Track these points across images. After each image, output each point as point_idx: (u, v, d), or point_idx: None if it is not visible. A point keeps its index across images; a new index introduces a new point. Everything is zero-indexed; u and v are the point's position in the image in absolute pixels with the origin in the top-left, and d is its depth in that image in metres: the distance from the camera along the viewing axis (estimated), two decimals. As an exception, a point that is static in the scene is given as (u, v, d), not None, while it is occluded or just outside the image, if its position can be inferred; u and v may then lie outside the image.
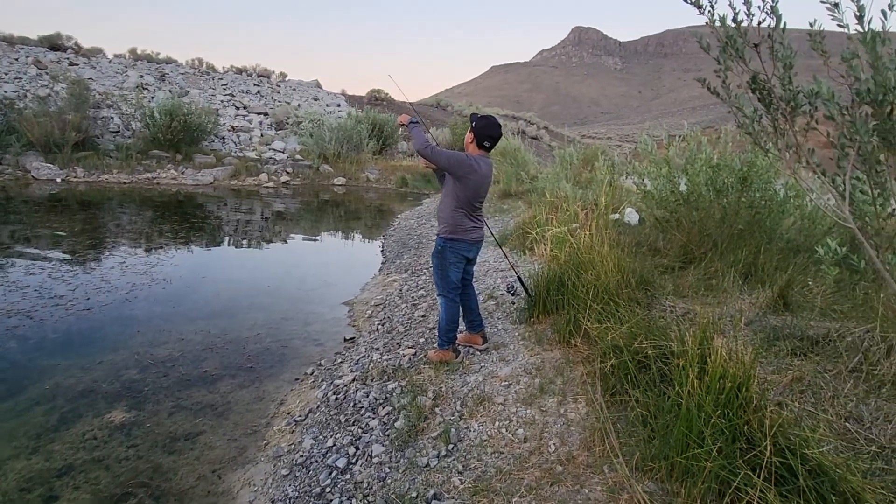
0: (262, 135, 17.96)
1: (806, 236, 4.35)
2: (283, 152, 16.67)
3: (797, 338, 2.70)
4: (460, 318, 3.42)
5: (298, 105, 22.37)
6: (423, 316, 4.40)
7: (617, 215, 6.52)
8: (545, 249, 5.05)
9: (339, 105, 25.18)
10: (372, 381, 3.31)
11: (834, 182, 2.64)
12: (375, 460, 2.46)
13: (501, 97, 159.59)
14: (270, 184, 13.77)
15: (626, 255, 3.84)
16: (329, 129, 16.43)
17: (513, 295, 4.13)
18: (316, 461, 2.57)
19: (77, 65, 19.26)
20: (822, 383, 2.28)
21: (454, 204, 3.09)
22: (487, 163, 3.11)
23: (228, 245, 7.57)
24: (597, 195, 6.55)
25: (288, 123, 19.38)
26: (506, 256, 4.31)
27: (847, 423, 2.03)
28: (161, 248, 6.86)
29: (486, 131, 3.04)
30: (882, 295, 2.43)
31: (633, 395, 2.32)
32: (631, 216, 6.62)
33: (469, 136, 3.11)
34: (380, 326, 4.38)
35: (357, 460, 2.51)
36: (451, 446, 2.45)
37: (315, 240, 8.50)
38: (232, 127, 17.63)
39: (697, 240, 4.37)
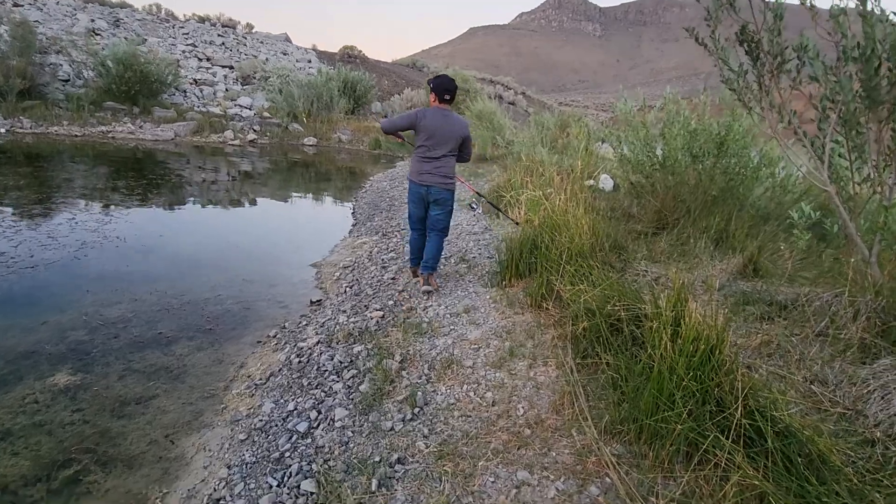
0: (226, 89, 17.01)
1: (777, 204, 4.37)
2: (249, 109, 15.88)
3: (766, 303, 2.70)
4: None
5: (266, 59, 21.20)
6: (392, 279, 4.28)
7: (592, 181, 6.45)
8: (520, 212, 4.94)
9: (309, 61, 24.00)
10: (337, 343, 3.19)
11: (813, 144, 2.58)
12: (338, 424, 2.37)
13: (480, 60, 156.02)
14: (236, 141, 13.13)
15: (601, 220, 3.77)
16: (298, 86, 15.65)
17: (474, 210, 4.72)
18: (276, 425, 2.46)
19: (21, 6, 17.59)
20: (790, 347, 2.28)
21: (415, 150, 3.72)
22: (446, 113, 3.61)
23: (190, 204, 7.17)
24: (573, 161, 6.46)
25: (255, 78, 18.40)
26: (462, 182, 4.57)
27: (812, 386, 2.03)
28: (116, 205, 6.44)
29: (442, 86, 3.60)
30: (852, 259, 2.42)
31: (604, 358, 2.27)
32: (606, 182, 6.57)
33: (431, 97, 3.67)
34: (348, 289, 4.23)
35: (319, 424, 2.41)
36: (416, 410, 2.37)
37: (283, 201, 8.17)
38: (194, 80, 16.61)
39: (671, 206, 4.33)
